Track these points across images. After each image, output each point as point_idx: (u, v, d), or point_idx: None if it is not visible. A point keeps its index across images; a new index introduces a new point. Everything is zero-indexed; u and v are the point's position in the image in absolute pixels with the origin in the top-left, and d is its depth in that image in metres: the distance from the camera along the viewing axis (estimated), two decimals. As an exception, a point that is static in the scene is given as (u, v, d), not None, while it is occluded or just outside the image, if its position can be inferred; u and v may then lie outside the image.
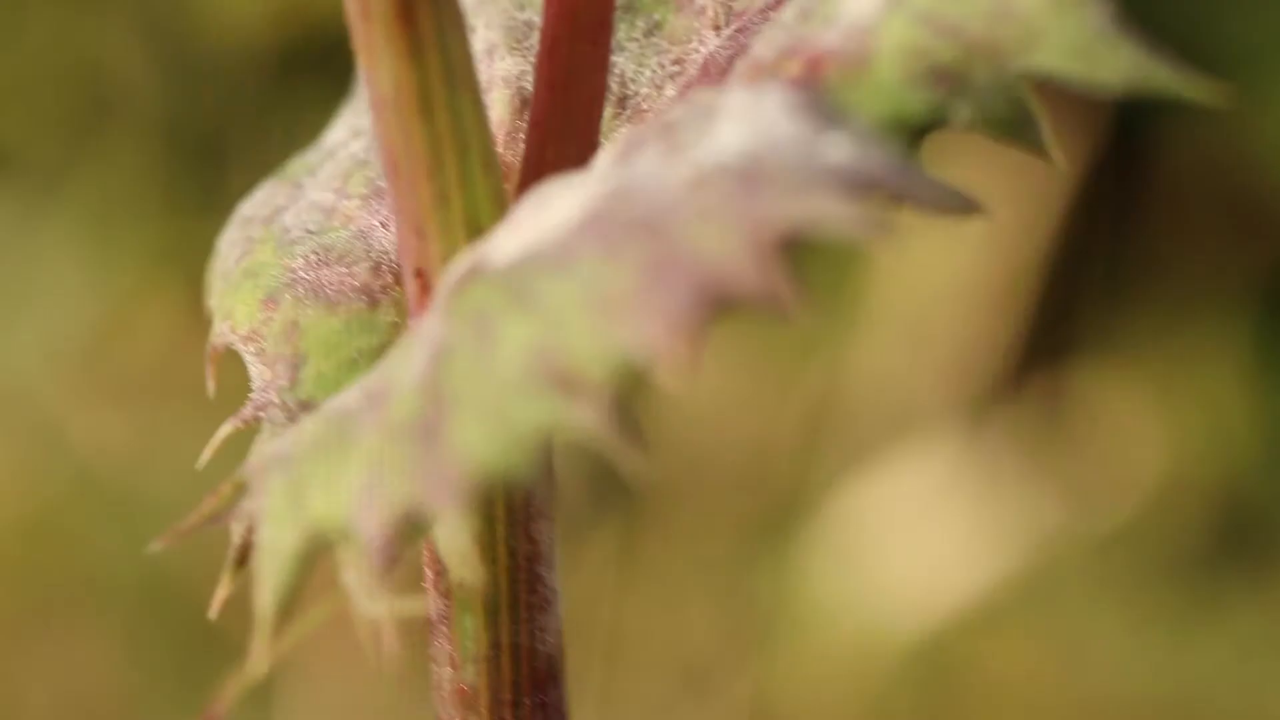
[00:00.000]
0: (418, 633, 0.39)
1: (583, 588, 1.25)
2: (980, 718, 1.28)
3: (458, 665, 0.38)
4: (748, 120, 0.33)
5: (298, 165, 0.42)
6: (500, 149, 0.39)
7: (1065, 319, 1.41)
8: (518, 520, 0.38)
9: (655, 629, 1.31)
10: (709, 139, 0.33)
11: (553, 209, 0.34)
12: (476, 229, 0.36)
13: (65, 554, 1.35)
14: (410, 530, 0.33)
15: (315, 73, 1.53)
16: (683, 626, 1.32)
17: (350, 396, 0.35)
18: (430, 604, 0.38)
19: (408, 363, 0.34)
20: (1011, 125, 0.34)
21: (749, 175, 0.32)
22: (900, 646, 1.28)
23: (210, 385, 0.39)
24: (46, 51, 1.56)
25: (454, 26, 0.34)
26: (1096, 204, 1.38)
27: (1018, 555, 1.30)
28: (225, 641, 1.24)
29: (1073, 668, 1.29)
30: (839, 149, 0.33)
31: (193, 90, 1.53)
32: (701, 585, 1.33)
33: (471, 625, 0.38)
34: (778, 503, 1.36)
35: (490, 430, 0.32)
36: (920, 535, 1.33)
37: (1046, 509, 1.33)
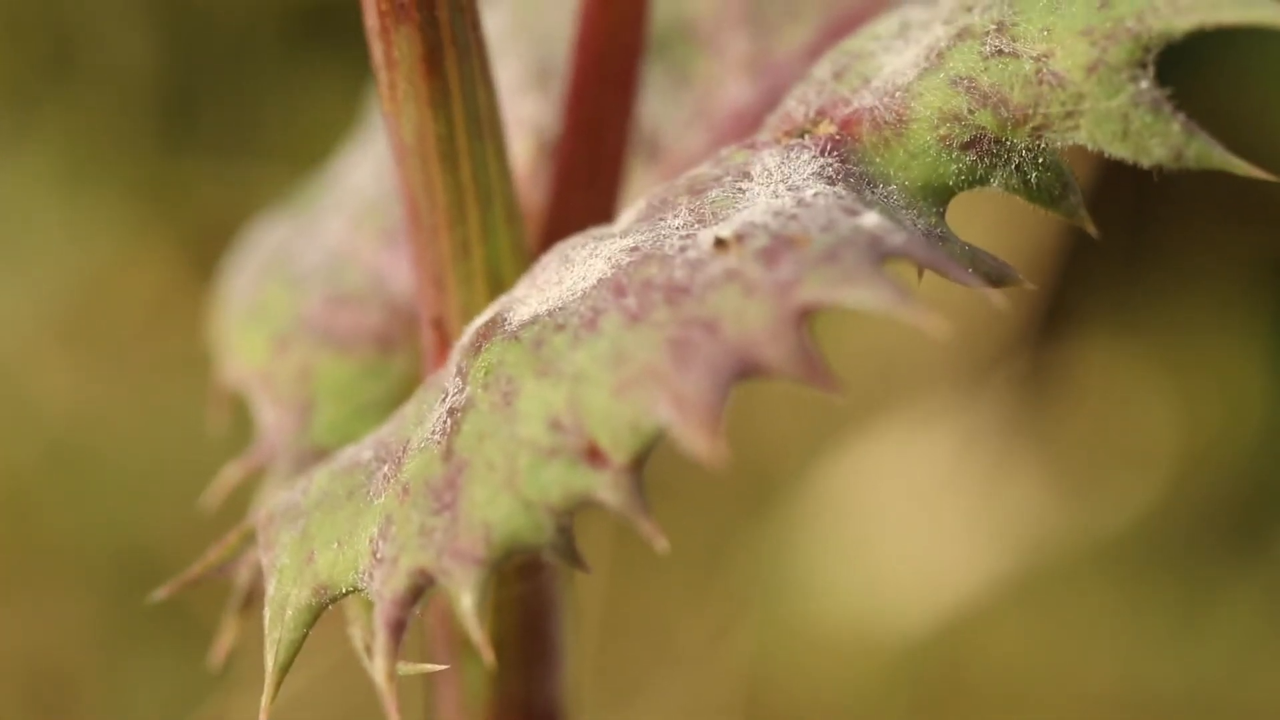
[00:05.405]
0: (417, 686, 0.38)
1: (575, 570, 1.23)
2: (979, 703, 1.28)
3: (461, 717, 0.38)
4: (779, 186, 0.32)
5: (309, 195, 0.41)
6: (521, 193, 0.38)
7: (1080, 299, 1.40)
8: (528, 575, 0.37)
9: (648, 612, 1.30)
10: (739, 204, 0.32)
11: (577, 266, 0.33)
12: (498, 281, 0.35)
13: (35, 523, 1.34)
14: (422, 594, 0.32)
15: (303, 29, 1.51)
16: (676, 609, 1.31)
17: (362, 450, 0.34)
18: (434, 655, 0.37)
19: (423, 419, 0.33)
20: (1048, 194, 0.33)
21: (779, 245, 0.31)
22: (896, 631, 1.27)
23: (215, 425, 0.38)
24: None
25: (481, 76, 0.33)
26: (1113, 185, 1.36)
27: (1020, 542, 1.29)
28: (193, 612, 1.23)
29: (1075, 657, 1.27)
30: (869, 220, 0.32)
31: (172, 36, 1.50)
32: (695, 566, 1.32)
33: (477, 677, 0.37)
34: (771, 482, 1.35)
35: (508, 499, 0.31)
36: (919, 517, 1.32)
37: (1051, 494, 1.32)
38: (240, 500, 0.39)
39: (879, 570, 1.33)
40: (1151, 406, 1.40)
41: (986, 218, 1.25)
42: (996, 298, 0.33)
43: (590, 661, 1.25)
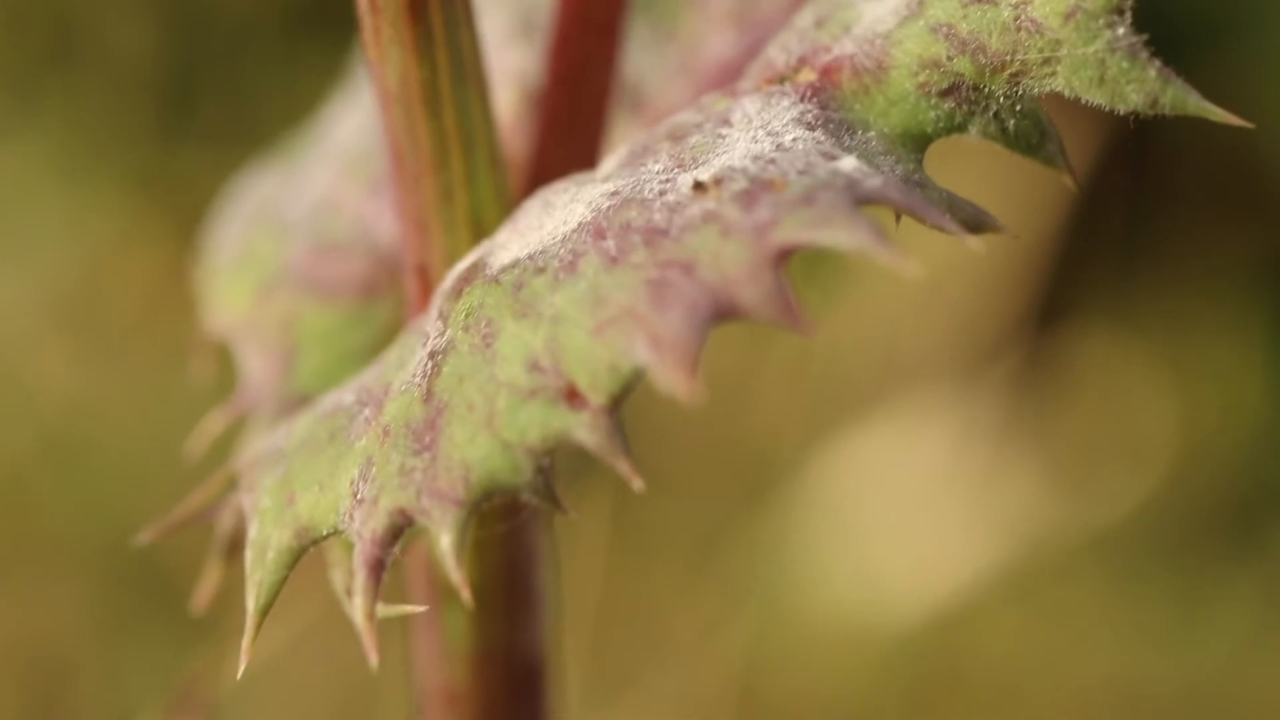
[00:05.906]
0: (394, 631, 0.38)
1: (571, 560, 1.23)
2: (973, 696, 1.27)
3: (442, 664, 0.38)
4: (758, 131, 0.33)
5: (296, 147, 0.41)
6: (504, 141, 0.38)
7: (1077, 294, 1.39)
8: (510, 520, 0.37)
9: (643, 604, 1.30)
10: (719, 149, 0.33)
11: (558, 211, 0.33)
12: (480, 227, 0.35)
13: (30, 510, 1.34)
14: (401, 534, 0.32)
15: (302, 19, 1.51)
16: (670, 601, 1.31)
17: (344, 394, 0.34)
18: (415, 602, 0.37)
19: (404, 363, 0.33)
20: (1026, 141, 0.33)
21: (757, 188, 0.31)
22: (891, 624, 1.27)
23: (200, 375, 0.38)
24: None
25: (465, 22, 0.34)
26: (1112, 179, 1.36)
27: (1016, 536, 1.29)
28: (187, 600, 1.23)
29: (1070, 652, 1.27)
30: (846, 164, 0.32)
31: (172, 26, 1.50)
32: (690, 559, 1.32)
33: (458, 625, 0.38)
34: (766, 475, 1.35)
35: (487, 440, 0.31)
36: (915, 511, 1.31)
37: (1047, 488, 1.31)
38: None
39: (874, 563, 1.33)
40: (1148, 402, 1.40)
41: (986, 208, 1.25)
42: (974, 243, 0.33)
43: (585, 653, 1.25)
